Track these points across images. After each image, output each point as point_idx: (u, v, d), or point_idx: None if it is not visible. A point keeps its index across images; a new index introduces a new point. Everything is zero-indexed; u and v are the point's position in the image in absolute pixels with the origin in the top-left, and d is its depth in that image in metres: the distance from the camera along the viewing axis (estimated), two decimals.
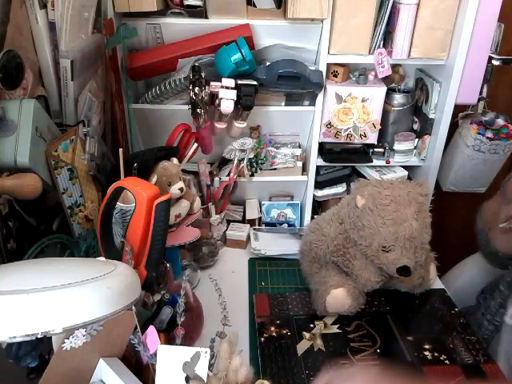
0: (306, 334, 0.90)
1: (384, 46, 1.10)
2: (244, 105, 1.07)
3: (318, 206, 1.33)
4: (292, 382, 0.79)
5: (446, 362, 0.84)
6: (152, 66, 1.09)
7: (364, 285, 0.92)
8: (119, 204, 0.83)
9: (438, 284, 1.06)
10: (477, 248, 1.07)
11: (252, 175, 1.22)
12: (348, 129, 1.17)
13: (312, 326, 0.92)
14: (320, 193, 1.28)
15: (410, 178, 1.28)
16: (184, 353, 0.59)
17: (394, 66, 1.19)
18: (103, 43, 1.00)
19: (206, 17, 1.06)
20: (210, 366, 0.61)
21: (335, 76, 1.15)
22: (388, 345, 0.88)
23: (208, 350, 0.59)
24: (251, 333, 0.91)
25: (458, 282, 1.13)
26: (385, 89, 1.15)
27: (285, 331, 0.90)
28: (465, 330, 0.91)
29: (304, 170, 1.25)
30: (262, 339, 0.88)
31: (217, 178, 1.20)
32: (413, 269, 0.85)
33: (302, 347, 0.87)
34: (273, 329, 0.91)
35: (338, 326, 0.92)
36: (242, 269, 1.12)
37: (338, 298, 0.90)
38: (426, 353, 0.86)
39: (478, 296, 1.02)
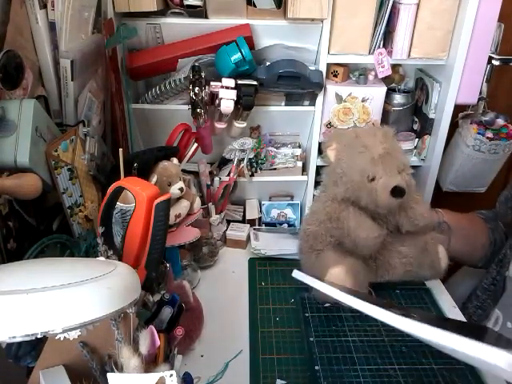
0: None
1: (384, 46, 1.10)
2: (244, 105, 1.07)
3: None
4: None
5: None
6: (152, 66, 1.09)
7: (364, 245, 0.88)
8: (119, 204, 0.83)
9: None
10: None
11: (252, 175, 1.22)
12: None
13: None
14: None
15: None
16: (143, 381, 0.53)
17: (394, 66, 1.19)
18: (103, 43, 1.00)
19: (206, 17, 1.06)
20: None
21: (335, 76, 1.15)
22: None
23: (174, 373, 0.53)
24: (251, 333, 0.91)
25: (460, 288, 1.14)
26: (385, 89, 1.15)
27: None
28: None
29: (304, 169, 1.25)
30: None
31: (217, 178, 1.20)
32: (406, 189, 0.84)
33: None
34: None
35: None
36: (242, 269, 1.12)
37: (337, 277, 0.85)
38: None
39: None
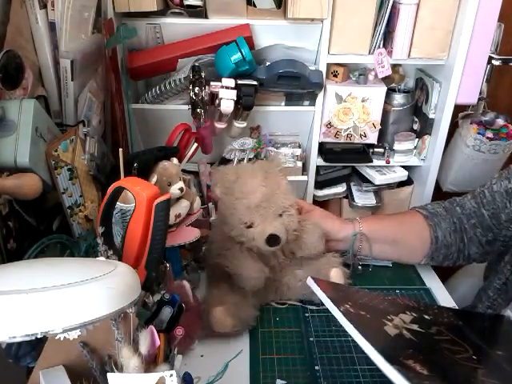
0: None
1: (384, 46, 1.10)
2: (244, 105, 1.07)
3: (318, 206, 1.33)
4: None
5: None
6: (152, 65, 1.09)
7: (246, 284, 0.88)
8: (119, 204, 0.83)
9: None
10: None
11: None
12: (348, 129, 1.17)
13: None
14: (320, 193, 1.28)
15: (409, 177, 1.29)
16: (143, 381, 0.52)
17: (394, 66, 1.19)
18: (103, 43, 1.00)
19: (206, 17, 1.06)
20: None
21: (335, 76, 1.15)
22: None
23: (174, 373, 0.52)
24: (251, 333, 0.91)
25: (460, 288, 1.13)
26: (385, 89, 1.15)
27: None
28: None
29: (304, 169, 1.25)
30: None
31: None
32: (283, 237, 0.84)
33: None
34: None
35: None
36: None
37: (218, 318, 0.85)
38: None
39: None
